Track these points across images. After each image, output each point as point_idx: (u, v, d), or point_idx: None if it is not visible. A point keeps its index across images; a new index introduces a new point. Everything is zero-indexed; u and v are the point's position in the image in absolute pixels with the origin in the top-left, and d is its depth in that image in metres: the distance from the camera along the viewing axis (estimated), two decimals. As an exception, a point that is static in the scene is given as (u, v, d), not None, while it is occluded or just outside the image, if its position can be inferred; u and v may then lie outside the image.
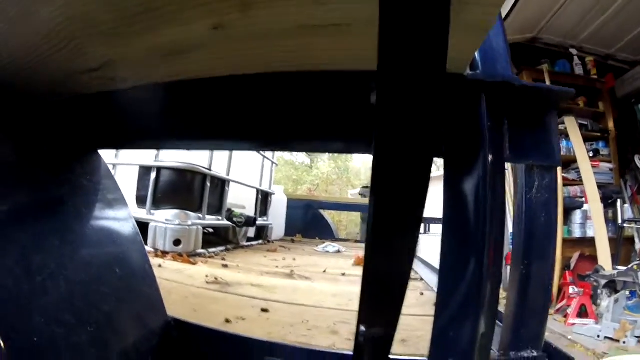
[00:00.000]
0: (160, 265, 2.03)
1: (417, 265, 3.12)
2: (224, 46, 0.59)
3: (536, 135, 0.91)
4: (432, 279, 2.45)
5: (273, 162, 4.44)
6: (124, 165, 2.93)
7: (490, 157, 0.75)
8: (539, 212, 1.00)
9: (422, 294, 2.11)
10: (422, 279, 2.65)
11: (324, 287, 2.11)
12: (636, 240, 5.02)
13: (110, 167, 2.94)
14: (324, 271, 2.72)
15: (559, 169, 1.03)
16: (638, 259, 4.22)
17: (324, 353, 0.94)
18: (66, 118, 0.85)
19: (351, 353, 0.88)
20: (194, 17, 0.51)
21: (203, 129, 0.79)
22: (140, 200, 2.80)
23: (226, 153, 3.25)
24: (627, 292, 4.12)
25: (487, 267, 0.78)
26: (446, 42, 0.37)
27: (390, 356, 0.91)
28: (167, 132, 0.84)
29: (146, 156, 2.82)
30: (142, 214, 2.71)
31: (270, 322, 1.28)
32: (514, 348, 1.00)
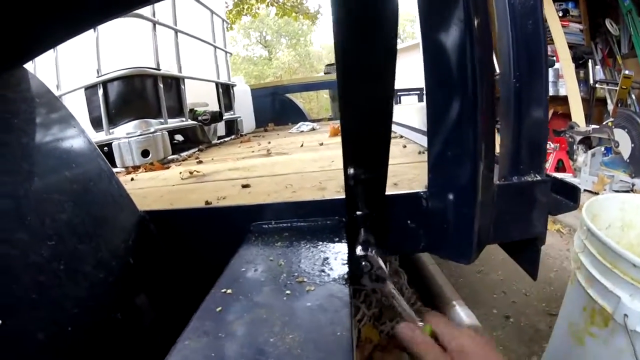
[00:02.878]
0: (132, 179, 1.92)
1: (395, 127, 3.10)
2: None
3: None
4: (412, 135, 2.43)
5: (227, 52, 4.16)
6: (68, 93, 2.69)
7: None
8: (525, 20, 0.90)
9: (404, 146, 2.09)
10: (402, 137, 2.62)
11: (303, 156, 2.05)
12: (608, 101, 5.07)
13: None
14: (301, 145, 2.64)
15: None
16: (611, 118, 4.27)
17: (314, 202, 0.87)
18: None
19: (343, 197, 0.82)
20: None
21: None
22: (96, 123, 2.61)
23: (172, 50, 3.00)
24: (603, 149, 4.20)
25: (476, 97, 0.70)
26: None
27: (387, 193, 0.86)
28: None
29: (88, 77, 2.57)
30: (102, 136, 2.53)
31: (252, 194, 1.20)
32: (515, 173, 0.95)
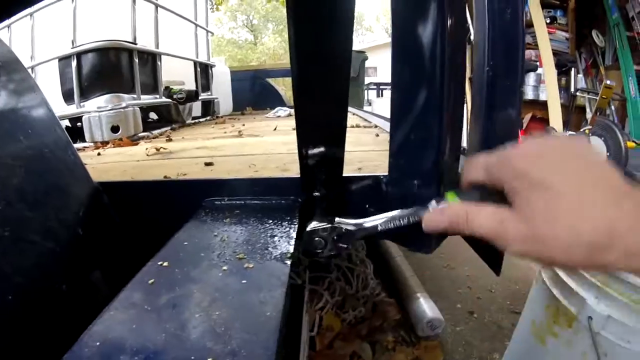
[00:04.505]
0: (99, 154, 1.86)
1: (371, 117, 3.09)
2: None
3: None
4: (386, 124, 2.43)
5: (208, 31, 4.07)
6: (41, 64, 2.64)
7: None
8: (503, 6, 0.88)
9: (377, 135, 2.08)
10: (376, 126, 2.60)
11: (274, 139, 2.01)
12: (587, 109, 5.13)
13: (29, 71, 2.63)
14: (275, 129, 2.60)
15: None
16: (589, 126, 4.31)
17: (269, 180, 0.84)
18: None
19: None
20: None
21: None
22: (68, 96, 2.53)
23: (151, 24, 2.92)
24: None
25: (443, 79, 0.67)
26: None
27: (345, 174, 0.83)
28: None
29: (63, 49, 2.50)
30: (72, 109, 2.46)
31: (213, 172, 1.17)
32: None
